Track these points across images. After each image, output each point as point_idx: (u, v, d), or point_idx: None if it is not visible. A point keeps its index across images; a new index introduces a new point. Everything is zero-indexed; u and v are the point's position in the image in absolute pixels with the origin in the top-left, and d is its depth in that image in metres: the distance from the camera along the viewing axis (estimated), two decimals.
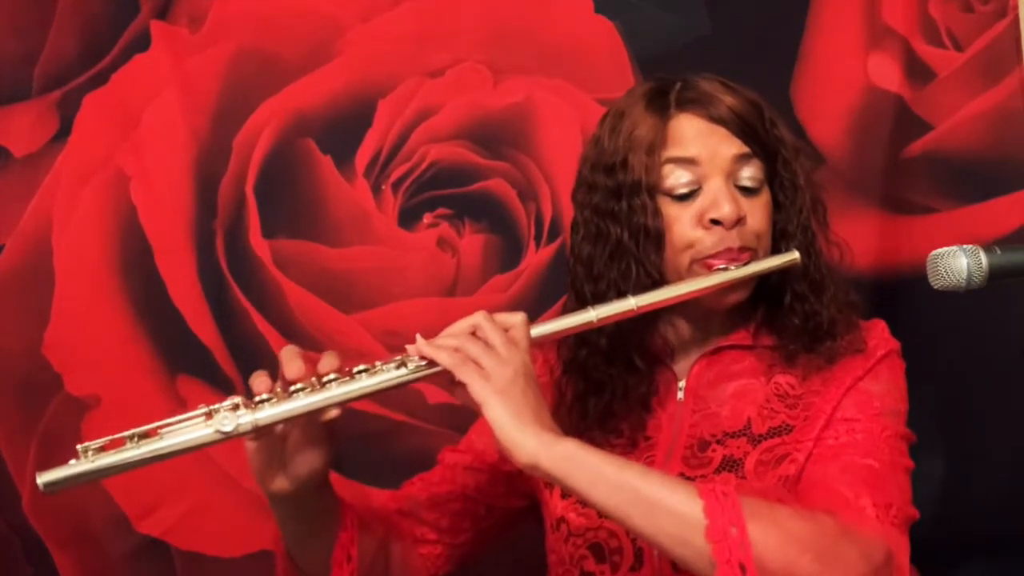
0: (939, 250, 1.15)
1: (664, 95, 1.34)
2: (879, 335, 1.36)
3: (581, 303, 1.32)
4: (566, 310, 1.38)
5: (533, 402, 1.18)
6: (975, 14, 1.77)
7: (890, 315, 1.41)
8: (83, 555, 1.85)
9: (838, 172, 1.76)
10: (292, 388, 1.19)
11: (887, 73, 1.78)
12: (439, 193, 1.83)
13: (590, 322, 1.26)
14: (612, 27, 1.81)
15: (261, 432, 1.19)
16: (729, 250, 1.30)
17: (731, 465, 1.30)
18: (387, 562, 1.38)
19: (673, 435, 1.35)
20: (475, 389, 1.17)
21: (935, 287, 1.15)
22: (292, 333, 1.82)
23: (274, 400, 1.18)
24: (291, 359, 1.21)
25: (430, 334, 1.22)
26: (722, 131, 1.32)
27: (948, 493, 1.71)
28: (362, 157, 1.83)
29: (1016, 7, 1.76)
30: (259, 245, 1.83)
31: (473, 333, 1.21)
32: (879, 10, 1.78)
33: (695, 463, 1.32)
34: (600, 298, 1.31)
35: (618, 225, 1.32)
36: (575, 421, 1.36)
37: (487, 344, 1.19)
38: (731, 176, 1.32)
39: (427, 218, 1.83)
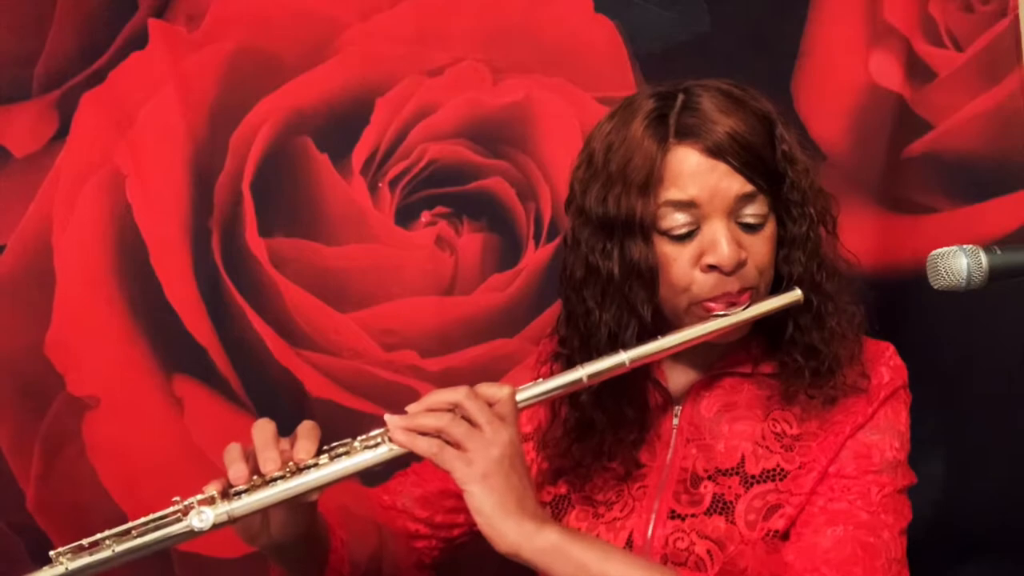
0: (939, 250, 1.15)
1: (664, 119, 1.26)
2: (885, 367, 1.32)
3: (572, 326, 1.32)
4: (558, 324, 1.37)
5: (517, 485, 1.16)
6: (975, 14, 1.77)
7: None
8: None
9: (838, 171, 1.75)
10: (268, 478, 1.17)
11: (888, 72, 1.78)
12: (437, 191, 1.82)
13: (580, 381, 1.23)
14: (612, 26, 1.81)
15: (239, 521, 1.17)
16: (727, 294, 1.26)
17: (722, 507, 1.28)
18: (380, 560, 1.39)
19: (666, 465, 1.33)
20: (457, 476, 1.15)
21: (935, 287, 1.16)
22: (288, 332, 1.82)
23: (250, 490, 1.16)
24: (265, 448, 1.18)
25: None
26: (723, 167, 1.24)
27: (948, 494, 1.71)
28: (359, 155, 1.82)
29: (1016, 7, 1.75)
30: (255, 243, 1.82)
31: (455, 409, 1.17)
32: (880, 8, 1.78)
33: (686, 500, 1.30)
34: (592, 331, 1.28)
35: (610, 261, 1.27)
36: (569, 444, 1.35)
37: (472, 423, 1.16)
38: (732, 215, 1.26)
39: (425, 216, 1.82)
